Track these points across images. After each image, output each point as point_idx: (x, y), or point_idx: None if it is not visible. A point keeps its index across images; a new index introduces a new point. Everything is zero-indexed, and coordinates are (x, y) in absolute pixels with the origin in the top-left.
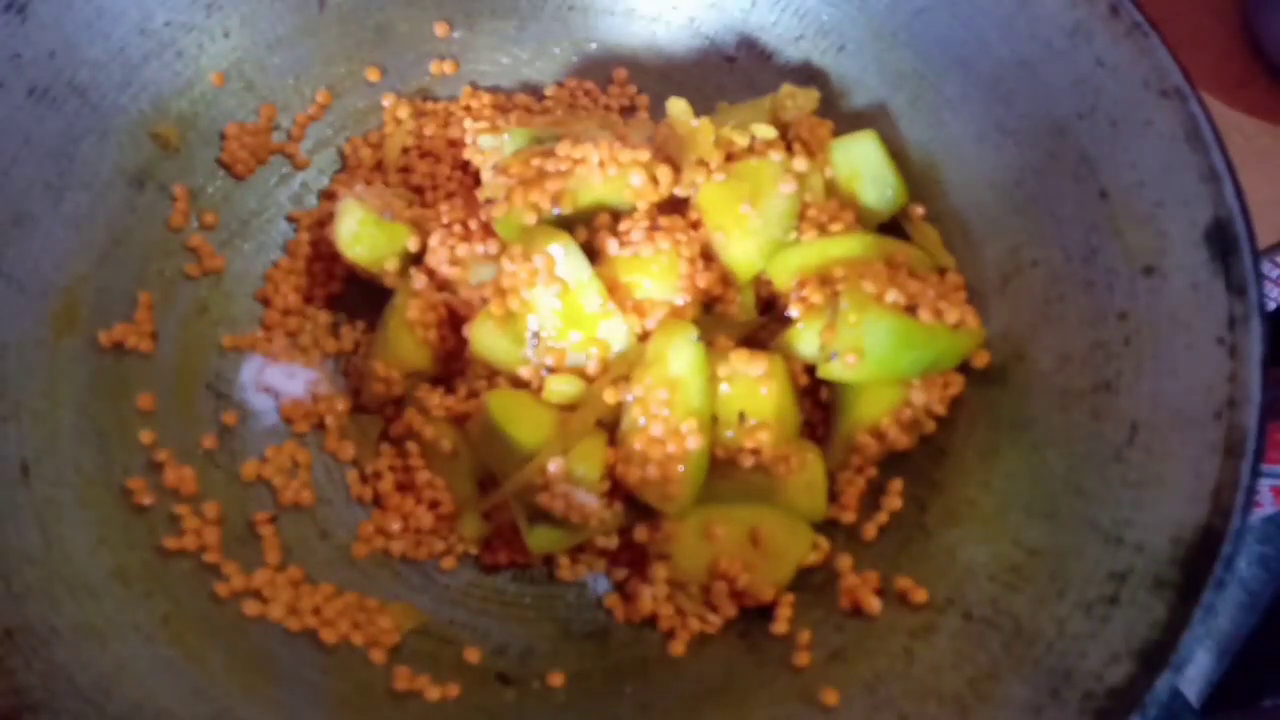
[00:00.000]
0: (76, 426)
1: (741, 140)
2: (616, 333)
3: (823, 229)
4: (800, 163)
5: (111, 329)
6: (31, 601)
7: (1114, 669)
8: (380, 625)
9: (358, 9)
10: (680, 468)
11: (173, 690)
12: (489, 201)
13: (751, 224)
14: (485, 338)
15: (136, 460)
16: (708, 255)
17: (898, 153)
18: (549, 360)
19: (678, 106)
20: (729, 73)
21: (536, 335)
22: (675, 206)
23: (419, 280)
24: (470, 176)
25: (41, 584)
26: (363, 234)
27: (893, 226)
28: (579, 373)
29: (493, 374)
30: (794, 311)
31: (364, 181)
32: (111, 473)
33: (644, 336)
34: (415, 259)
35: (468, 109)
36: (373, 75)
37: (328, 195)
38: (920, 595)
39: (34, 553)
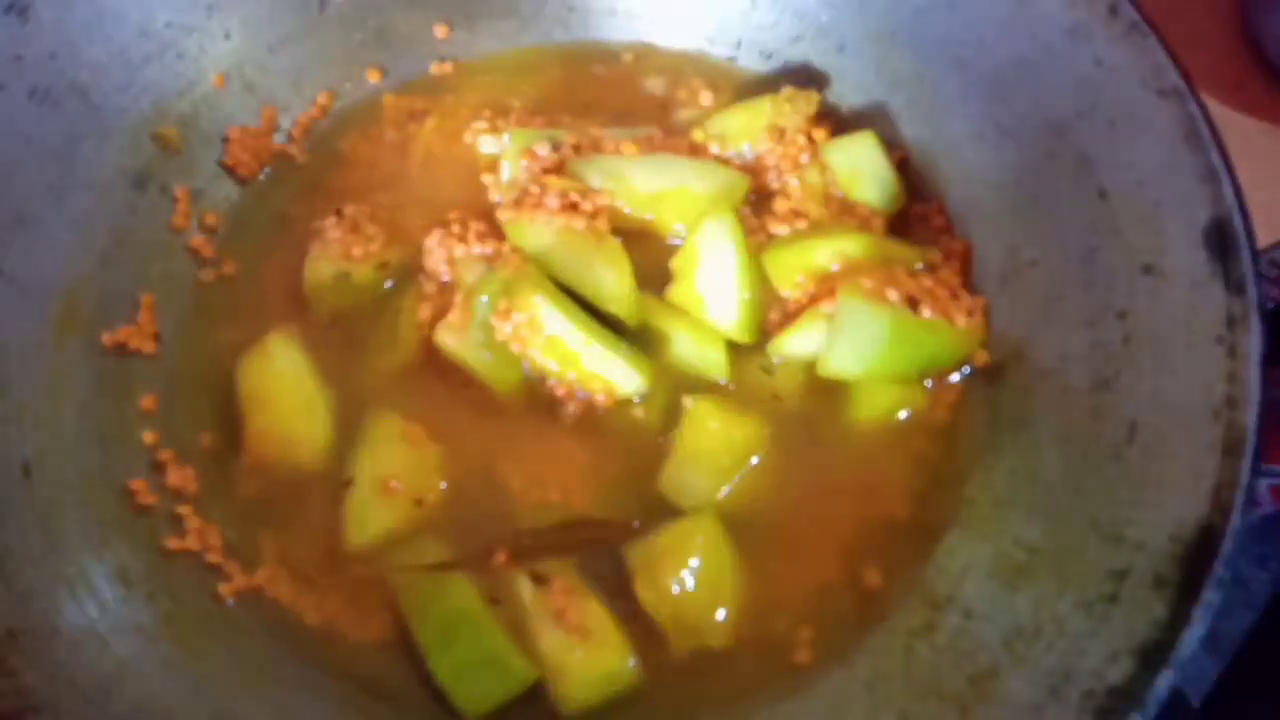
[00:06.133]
0: (78, 427)
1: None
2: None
3: (823, 229)
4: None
5: (113, 330)
6: (34, 602)
7: (1114, 667)
8: (382, 625)
9: (358, 10)
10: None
11: (173, 690)
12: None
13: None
14: (450, 340)
15: (138, 461)
16: None
17: (897, 153)
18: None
19: None
20: (729, 73)
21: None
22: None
23: (429, 285)
24: (471, 178)
25: (44, 585)
26: (330, 285)
27: (893, 226)
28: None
29: None
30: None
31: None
32: (113, 473)
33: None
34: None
35: (468, 109)
36: (373, 75)
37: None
38: (919, 593)
39: (36, 554)
